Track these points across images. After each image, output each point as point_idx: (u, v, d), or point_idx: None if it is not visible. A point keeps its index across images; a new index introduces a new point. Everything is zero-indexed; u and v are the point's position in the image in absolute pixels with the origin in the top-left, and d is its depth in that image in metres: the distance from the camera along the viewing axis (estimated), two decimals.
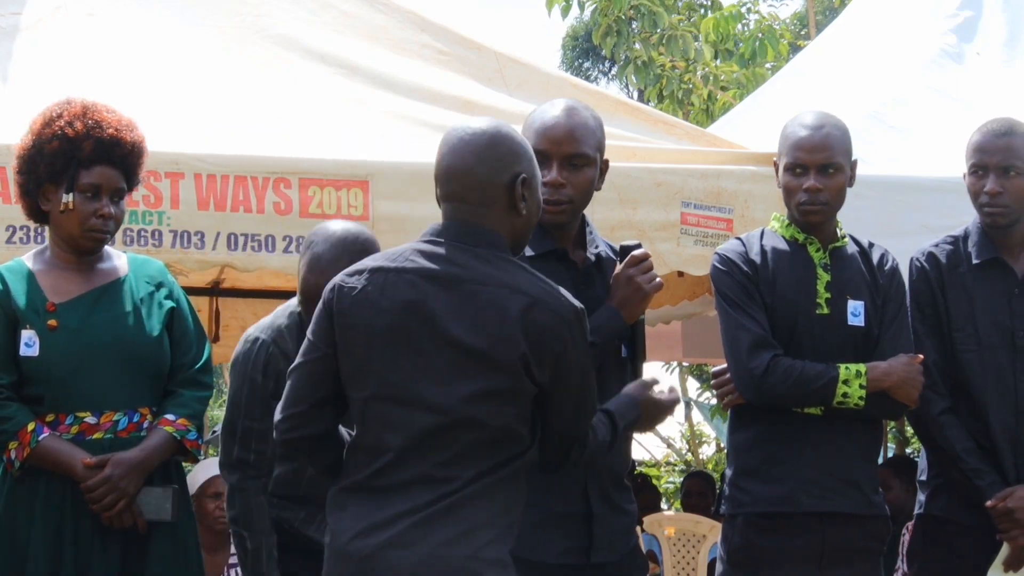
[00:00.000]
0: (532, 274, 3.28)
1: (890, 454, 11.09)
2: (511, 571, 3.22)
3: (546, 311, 3.22)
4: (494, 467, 3.22)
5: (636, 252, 3.75)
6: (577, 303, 3.27)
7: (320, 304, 3.32)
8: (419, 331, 3.22)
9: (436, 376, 3.21)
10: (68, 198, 4.02)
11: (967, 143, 4.41)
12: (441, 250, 3.28)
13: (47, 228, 4.16)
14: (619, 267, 3.76)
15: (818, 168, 4.14)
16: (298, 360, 3.36)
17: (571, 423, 3.33)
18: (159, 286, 4.14)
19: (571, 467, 3.46)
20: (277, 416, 3.37)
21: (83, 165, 4.02)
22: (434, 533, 3.17)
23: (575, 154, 3.73)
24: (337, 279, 3.32)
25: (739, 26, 12.55)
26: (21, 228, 4.94)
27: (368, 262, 3.33)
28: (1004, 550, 4.24)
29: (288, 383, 3.36)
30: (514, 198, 3.31)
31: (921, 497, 4.44)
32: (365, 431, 3.29)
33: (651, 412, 3.56)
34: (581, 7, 12.68)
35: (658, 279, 3.74)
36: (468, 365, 3.20)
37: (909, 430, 12.16)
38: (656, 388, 3.57)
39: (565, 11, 12.44)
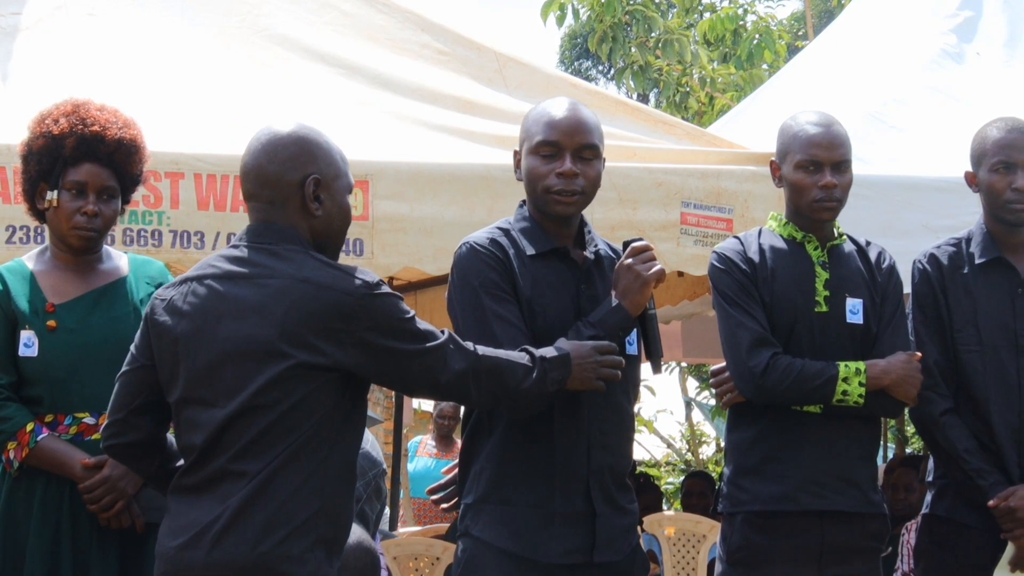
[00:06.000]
0: (321, 261, 3.38)
1: (890, 454, 11.10)
2: (309, 565, 3.29)
3: (332, 293, 3.31)
4: (287, 454, 3.30)
5: (637, 243, 3.77)
6: (370, 279, 3.36)
7: (142, 320, 3.52)
8: (213, 333, 3.35)
9: (231, 373, 3.32)
10: (52, 195, 4.03)
11: (978, 142, 4.40)
12: (238, 252, 3.42)
13: (47, 228, 4.15)
14: (622, 259, 3.77)
15: (833, 165, 4.15)
16: (121, 371, 3.54)
17: (427, 384, 3.46)
18: (159, 287, 4.13)
19: (480, 404, 3.60)
20: (104, 424, 3.60)
21: (69, 163, 4.02)
22: (229, 534, 3.27)
23: (586, 145, 3.76)
24: (155, 294, 3.52)
25: (737, 26, 12.56)
26: (21, 228, 4.96)
27: (183, 275, 3.50)
28: (1009, 550, 4.24)
29: (113, 393, 3.55)
30: (305, 197, 3.41)
31: (928, 497, 4.44)
32: (179, 434, 3.44)
33: (583, 375, 3.59)
34: (576, 15, 12.69)
35: (659, 267, 3.74)
36: (258, 357, 3.30)
37: (909, 430, 12.18)
38: (600, 356, 3.61)
39: (560, 20, 12.46)
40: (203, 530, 3.29)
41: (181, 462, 3.46)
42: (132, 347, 3.53)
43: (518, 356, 3.53)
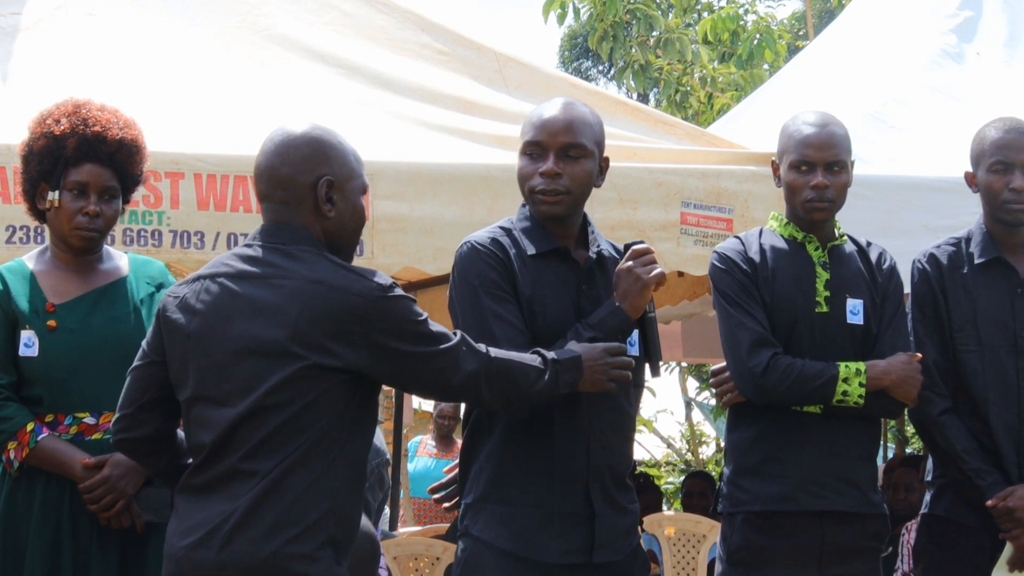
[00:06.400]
0: (334, 263, 3.38)
1: (890, 454, 11.10)
2: (321, 564, 3.29)
3: (345, 295, 3.31)
4: (298, 454, 3.30)
5: (637, 246, 3.77)
6: (383, 281, 3.36)
7: (155, 316, 3.52)
8: (225, 332, 3.35)
9: (242, 373, 3.32)
10: (54, 196, 4.02)
11: (977, 142, 4.40)
12: (252, 251, 3.42)
13: (47, 228, 4.15)
14: (622, 262, 3.77)
15: (825, 165, 4.15)
16: (132, 366, 3.55)
17: (438, 386, 3.49)
18: (160, 287, 4.13)
19: (492, 406, 3.59)
20: (113, 419, 3.60)
21: (71, 163, 4.01)
22: (240, 533, 3.27)
23: (571, 144, 3.75)
24: (167, 291, 3.52)
25: (738, 25, 12.56)
26: (21, 228, 4.95)
27: (196, 272, 3.49)
28: (1008, 550, 4.24)
29: (123, 388, 3.56)
30: (318, 199, 3.41)
31: (927, 497, 4.44)
32: (189, 433, 3.44)
33: (594, 377, 3.61)
34: (576, 13, 12.68)
35: (659, 270, 3.75)
36: (269, 358, 3.30)
37: (909, 430, 12.18)
38: (612, 358, 3.63)
39: (561, 18, 12.45)
40: (214, 529, 3.29)
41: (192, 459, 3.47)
42: (144, 342, 3.54)
43: (530, 358, 3.54)
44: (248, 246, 3.44)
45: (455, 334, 3.45)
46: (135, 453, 3.65)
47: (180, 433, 3.58)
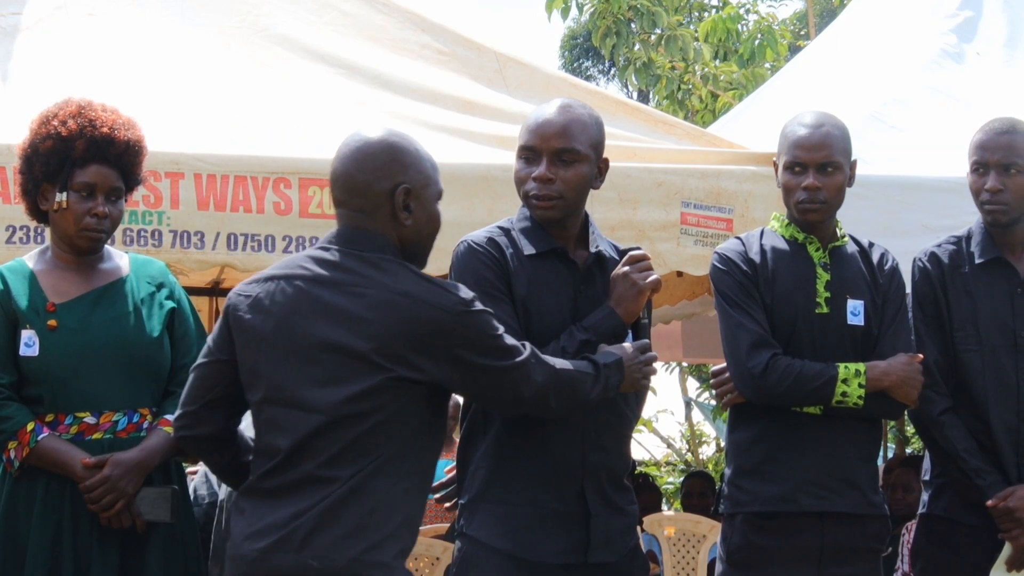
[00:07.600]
0: (417, 274, 3.36)
1: (890, 454, 11.10)
2: (398, 573, 3.29)
3: (429, 308, 3.29)
4: (377, 463, 3.28)
5: (634, 252, 3.77)
6: (465, 295, 3.35)
7: (222, 313, 3.47)
8: (302, 335, 3.32)
9: (319, 378, 3.29)
10: (62, 197, 4.02)
11: (970, 143, 4.42)
12: (329, 256, 3.37)
13: (47, 228, 4.16)
14: (618, 267, 3.78)
15: (817, 167, 4.15)
16: (196, 363, 3.52)
17: (512, 399, 3.46)
18: (160, 286, 4.14)
19: (555, 415, 3.57)
20: (176, 415, 3.57)
21: (77, 164, 4.02)
22: (318, 535, 3.25)
23: (564, 149, 3.74)
24: (236, 289, 3.46)
25: (739, 26, 12.56)
26: (21, 228, 4.95)
27: (267, 271, 3.45)
28: (1006, 550, 4.25)
29: (187, 384, 3.52)
30: (395, 207, 3.38)
31: (925, 497, 4.45)
32: (259, 434, 3.41)
33: (632, 377, 3.64)
34: (580, 9, 12.69)
35: (655, 276, 3.75)
36: (350, 366, 3.28)
37: (909, 430, 12.17)
38: (644, 356, 3.66)
39: (565, 13, 12.45)
40: (290, 532, 3.26)
41: (251, 457, 3.44)
42: (208, 339, 3.52)
43: (584, 365, 3.56)
44: (324, 249, 3.40)
45: (524, 347, 3.44)
46: (198, 450, 3.62)
47: (240, 430, 3.56)
